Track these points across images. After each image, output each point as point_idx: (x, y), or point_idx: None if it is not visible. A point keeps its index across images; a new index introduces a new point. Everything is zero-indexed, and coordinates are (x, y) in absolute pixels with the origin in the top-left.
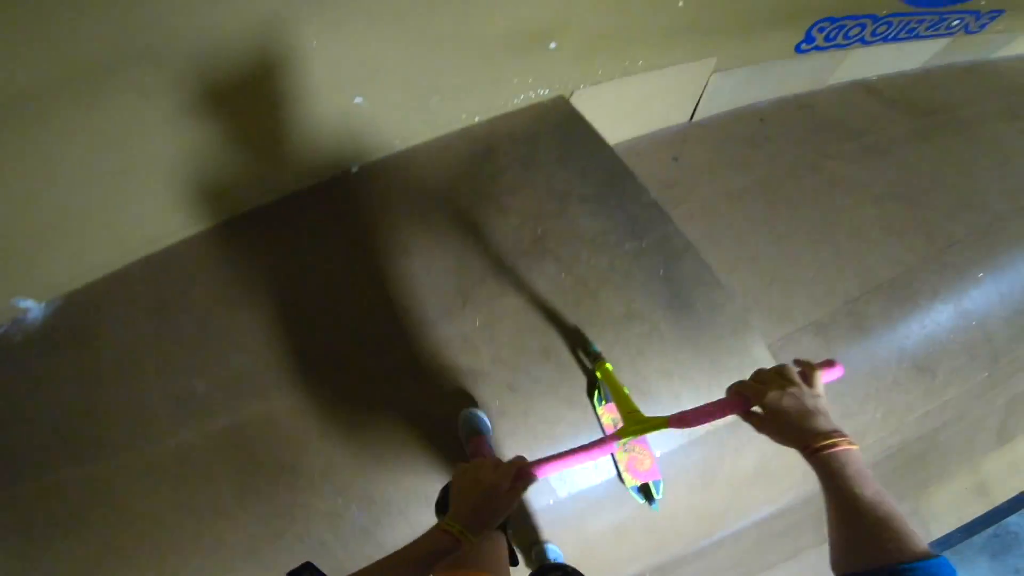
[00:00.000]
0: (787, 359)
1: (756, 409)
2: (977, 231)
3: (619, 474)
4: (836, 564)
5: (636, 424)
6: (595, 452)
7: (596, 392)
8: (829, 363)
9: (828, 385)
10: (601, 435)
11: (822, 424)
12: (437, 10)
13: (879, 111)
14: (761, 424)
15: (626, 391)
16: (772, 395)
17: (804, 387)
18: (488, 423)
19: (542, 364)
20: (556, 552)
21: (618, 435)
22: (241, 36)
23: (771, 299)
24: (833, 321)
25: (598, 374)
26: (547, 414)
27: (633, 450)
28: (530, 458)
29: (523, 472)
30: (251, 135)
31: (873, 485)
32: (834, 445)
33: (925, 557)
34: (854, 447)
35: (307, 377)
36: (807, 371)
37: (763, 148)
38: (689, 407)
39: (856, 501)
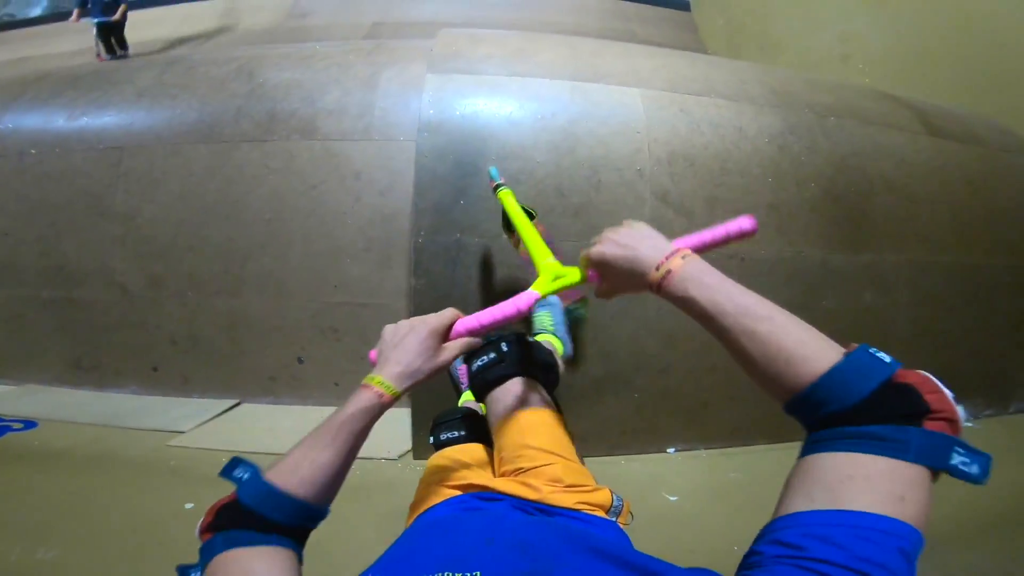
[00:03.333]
0: None
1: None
2: None
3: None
4: (774, 396)
5: (554, 278)
6: (514, 308)
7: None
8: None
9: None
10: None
11: (648, 253)
12: None
13: None
14: (603, 286)
15: (534, 230)
16: (593, 251)
17: (620, 228)
18: None
19: None
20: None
21: (538, 290)
22: None
23: None
24: None
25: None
26: None
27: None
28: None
29: (458, 329)
30: None
31: (737, 295)
32: (668, 272)
33: (841, 356)
34: (689, 257)
35: None
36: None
37: None
38: None
39: (730, 322)
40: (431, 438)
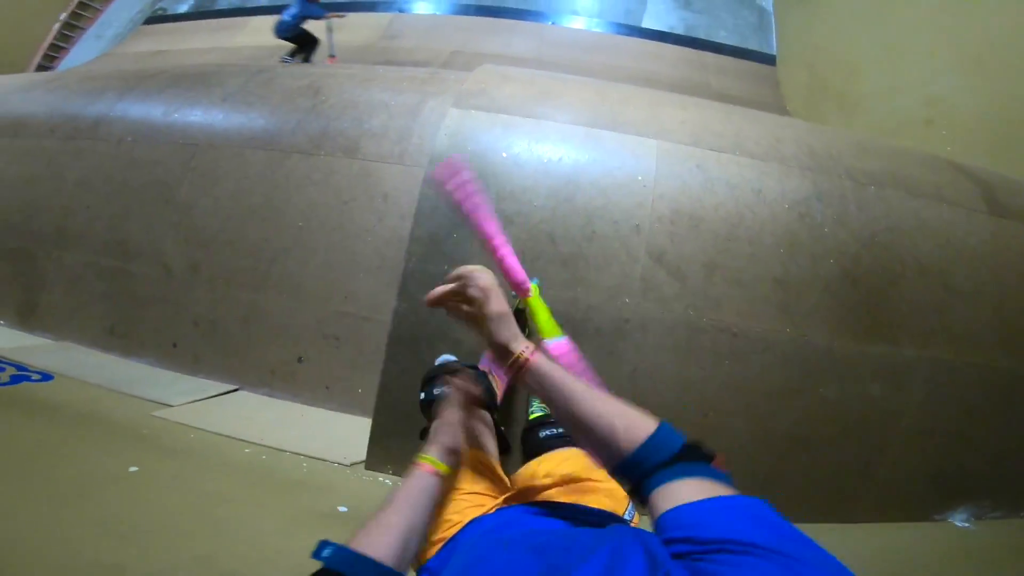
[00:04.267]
0: None
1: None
2: None
3: None
4: (599, 463)
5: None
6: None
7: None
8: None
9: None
10: None
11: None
12: None
13: None
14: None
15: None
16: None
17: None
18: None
19: None
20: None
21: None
22: None
23: None
24: None
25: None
26: None
27: None
28: None
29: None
30: None
31: (571, 384)
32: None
33: (652, 429)
34: (535, 355)
35: None
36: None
37: None
38: None
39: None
40: (421, 394)
